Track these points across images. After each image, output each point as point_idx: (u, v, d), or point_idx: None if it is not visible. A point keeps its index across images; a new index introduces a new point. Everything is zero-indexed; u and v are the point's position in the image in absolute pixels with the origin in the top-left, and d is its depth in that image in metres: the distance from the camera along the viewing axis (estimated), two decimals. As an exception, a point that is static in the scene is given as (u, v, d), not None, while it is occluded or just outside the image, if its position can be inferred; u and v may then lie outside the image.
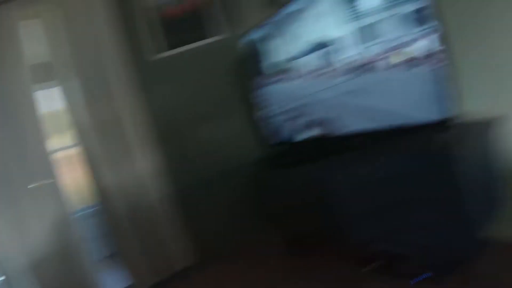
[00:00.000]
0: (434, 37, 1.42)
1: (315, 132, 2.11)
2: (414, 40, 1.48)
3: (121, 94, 2.48)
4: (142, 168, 2.52)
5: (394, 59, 1.57)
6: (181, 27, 2.76)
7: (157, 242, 2.55)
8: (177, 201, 2.63)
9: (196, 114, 2.78)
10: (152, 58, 2.67)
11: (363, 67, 1.71)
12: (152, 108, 2.61)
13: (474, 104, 1.66)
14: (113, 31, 2.47)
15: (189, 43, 2.78)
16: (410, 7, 1.46)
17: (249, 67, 2.51)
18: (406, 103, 1.60)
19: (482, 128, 1.59)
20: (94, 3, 2.43)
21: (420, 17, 1.45)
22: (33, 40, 2.30)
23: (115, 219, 2.46)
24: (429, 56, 1.45)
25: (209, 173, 2.77)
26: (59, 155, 2.67)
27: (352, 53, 1.74)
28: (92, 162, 2.44)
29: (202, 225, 2.71)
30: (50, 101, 2.69)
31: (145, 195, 2.53)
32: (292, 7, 2.00)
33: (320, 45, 1.90)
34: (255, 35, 2.36)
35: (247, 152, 2.84)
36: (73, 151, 2.56)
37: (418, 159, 1.52)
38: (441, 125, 1.50)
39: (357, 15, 1.67)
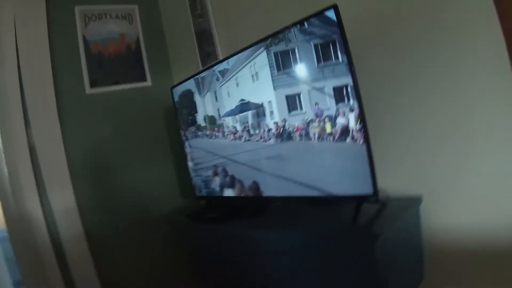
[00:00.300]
0: (355, 114, 1.43)
1: (237, 190, 2.07)
2: (337, 115, 1.49)
3: (42, 123, 2.35)
4: (54, 202, 2.36)
5: (318, 131, 1.57)
6: (114, 67, 2.73)
7: (64, 280, 2.34)
8: (89, 242, 2.45)
9: (120, 156, 2.69)
10: (81, 93, 2.58)
11: (286, 135, 1.71)
12: (73, 143, 2.48)
13: (393, 182, 1.69)
14: (43, 59, 2.39)
15: (121, 84, 2.75)
16: (335, 83, 1.48)
17: (178, 118, 2.49)
18: (326, 175, 1.59)
19: (402, 205, 1.59)
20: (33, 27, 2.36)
21: (343, 94, 1.46)
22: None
23: (20, 248, 2.28)
24: (351, 131, 1.46)
25: (127, 218, 2.65)
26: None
27: (277, 119, 1.75)
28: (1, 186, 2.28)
29: (115, 271, 2.55)
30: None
31: (55, 230, 2.36)
32: (223, 66, 2.01)
33: (247, 107, 1.91)
34: (186, 86, 2.35)
35: (169, 202, 2.80)
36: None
37: (336, 231, 1.50)
38: (362, 200, 1.49)
39: (285, 83, 1.68)
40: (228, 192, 2.14)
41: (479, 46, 1.38)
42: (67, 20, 2.55)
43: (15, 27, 2.31)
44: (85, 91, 2.59)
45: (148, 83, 2.85)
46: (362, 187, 1.45)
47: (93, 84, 2.62)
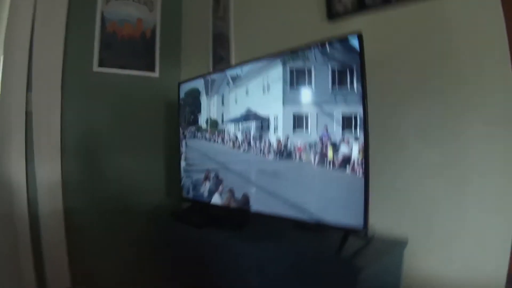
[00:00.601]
0: (359, 145, 1.42)
1: (225, 200, 2.04)
2: (341, 143, 1.48)
3: (43, 90, 2.31)
4: (40, 172, 2.30)
5: (319, 155, 1.55)
6: (125, 50, 2.69)
7: (34, 255, 2.27)
8: (66, 221, 2.39)
9: (114, 141, 2.64)
10: (89, 69, 2.54)
11: (287, 153, 1.69)
12: (70, 117, 2.44)
13: (382, 221, 1.67)
14: (58, 26, 2.35)
15: (128, 69, 2.71)
16: (345, 110, 1.48)
17: (180, 115, 2.47)
18: (319, 200, 1.57)
19: (387, 245, 1.58)
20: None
21: (351, 123, 1.45)
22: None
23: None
24: (352, 162, 1.44)
25: (108, 204, 2.59)
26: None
27: (279, 135, 1.73)
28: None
29: (87, 255, 2.49)
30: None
31: (35, 201, 2.29)
32: (236, 71, 1.99)
33: (252, 117, 1.89)
34: (195, 85, 2.33)
35: (153, 197, 2.76)
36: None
37: (319, 258, 1.47)
38: (350, 232, 1.47)
39: (295, 101, 1.68)
40: (216, 200, 2.10)
41: (481, 97, 1.40)
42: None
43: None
44: (93, 68, 2.56)
45: (156, 74, 2.83)
46: (353, 219, 1.42)
47: (101, 63, 2.59)
